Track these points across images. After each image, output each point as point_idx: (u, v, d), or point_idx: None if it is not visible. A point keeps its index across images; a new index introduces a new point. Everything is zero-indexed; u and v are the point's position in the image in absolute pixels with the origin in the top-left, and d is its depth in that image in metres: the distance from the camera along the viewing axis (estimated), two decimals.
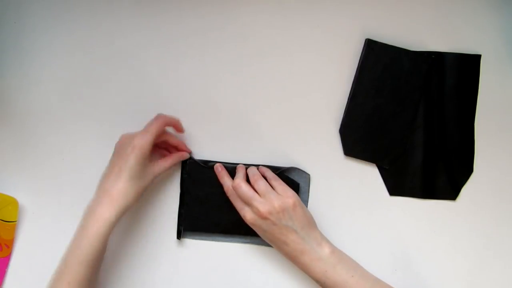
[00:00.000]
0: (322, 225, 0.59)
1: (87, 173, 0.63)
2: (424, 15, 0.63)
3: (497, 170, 0.63)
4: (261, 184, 0.58)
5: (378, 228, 0.63)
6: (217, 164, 0.62)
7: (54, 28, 0.64)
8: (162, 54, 0.64)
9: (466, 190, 0.63)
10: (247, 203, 0.57)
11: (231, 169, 0.62)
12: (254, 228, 0.58)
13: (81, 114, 0.64)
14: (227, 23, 0.63)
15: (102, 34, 0.64)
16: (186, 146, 0.62)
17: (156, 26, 0.64)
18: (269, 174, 0.61)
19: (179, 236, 0.63)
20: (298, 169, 0.63)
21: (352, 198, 0.63)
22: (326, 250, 0.56)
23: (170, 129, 0.62)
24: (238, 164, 0.62)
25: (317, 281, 0.56)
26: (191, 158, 0.62)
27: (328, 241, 0.57)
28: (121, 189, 0.54)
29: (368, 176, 0.63)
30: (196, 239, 0.63)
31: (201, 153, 0.63)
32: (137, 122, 0.60)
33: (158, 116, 0.58)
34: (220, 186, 0.61)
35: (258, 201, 0.56)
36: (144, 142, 0.55)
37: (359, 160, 0.63)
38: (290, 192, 0.57)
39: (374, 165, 0.63)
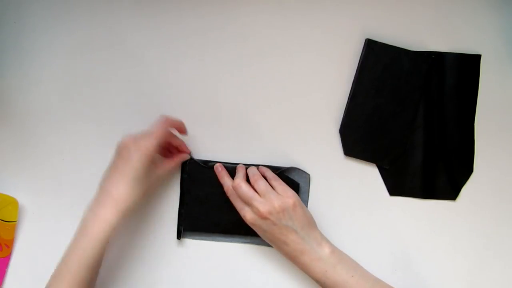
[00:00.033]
0: (322, 225, 0.59)
1: (87, 173, 0.63)
2: (424, 15, 0.63)
3: (497, 170, 0.63)
4: (261, 184, 0.58)
5: (378, 228, 0.63)
6: (217, 164, 0.62)
7: (54, 28, 0.64)
8: (162, 54, 0.64)
9: (466, 190, 0.63)
10: (247, 203, 0.57)
11: (231, 169, 0.62)
12: (254, 228, 0.58)
13: (81, 114, 0.64)
14: (227, 23, 0.63)
15: (102, 34, 0.64)
16: (187, 146, 0.62)
17: (156, 26, 0.64)
18: (269, 174, 0.60)
19: (179, 236, 0.62)
20: (298, 169, 0.63)
21: (352, 198, 0.63)
22: (326, 250, 0.56)
23: (172, 130, 0.62)
24: (238, 164, 0.62)
25: (317, 281, 0.56)
26: (191, 158, 0.62)
27: (328, 241, 0.57)
28: (124, 192, 0.54)
29: (368, 176, 0.63)
30: (196, 239, 0.63)
31: (201, 153, 0.63)
32: (137, 122, 0.60)
33: (163, 119, 0.58)
34: (220, 186, 0.61)
35: (258, 201, 0.56)
36: (150, 145, 0.55)
37: (359, 160, 0.63)
38: (290, 192, 0.57)
39: (374, 165, 0.63)
